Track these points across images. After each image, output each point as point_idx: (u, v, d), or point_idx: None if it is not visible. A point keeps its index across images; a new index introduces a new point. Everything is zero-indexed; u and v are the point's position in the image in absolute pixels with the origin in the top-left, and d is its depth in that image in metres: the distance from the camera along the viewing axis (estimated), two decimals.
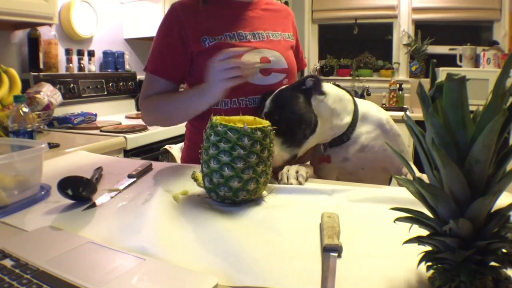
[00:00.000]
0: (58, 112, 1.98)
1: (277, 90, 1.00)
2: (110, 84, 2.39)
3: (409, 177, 0.96)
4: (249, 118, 0.82)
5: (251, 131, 0.71)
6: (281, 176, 0.89)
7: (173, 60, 1.05)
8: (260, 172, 0.73)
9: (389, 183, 1.20)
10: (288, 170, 0.90)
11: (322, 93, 0.96)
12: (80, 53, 2.25)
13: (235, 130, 0.71)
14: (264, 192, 0.80)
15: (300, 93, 0.96)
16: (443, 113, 0.40)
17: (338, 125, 1.00)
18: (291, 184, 0.86)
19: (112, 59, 2.48)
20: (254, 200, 0.77)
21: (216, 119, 0.76)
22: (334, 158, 1.05)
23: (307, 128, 0.95)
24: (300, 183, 0.87)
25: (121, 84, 2.46)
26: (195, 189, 0.82)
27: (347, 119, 1.01)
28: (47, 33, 2.03)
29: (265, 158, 0.74)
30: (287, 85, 1.03)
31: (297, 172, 0.90)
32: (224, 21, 1.06)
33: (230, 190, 0.72)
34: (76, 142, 1.59)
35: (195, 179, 0.81)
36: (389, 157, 1.02)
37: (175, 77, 1.08)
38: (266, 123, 0.77)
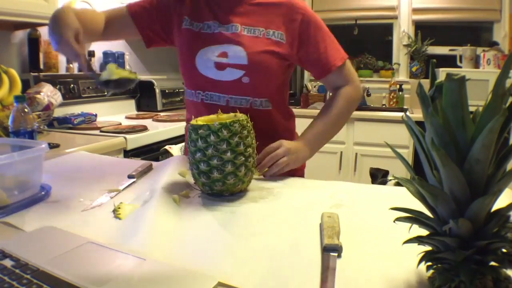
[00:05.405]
0: (58, 112, 1.98)
1: None
2: None
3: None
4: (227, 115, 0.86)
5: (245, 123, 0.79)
6: None
7: (151, 16, 1.18)
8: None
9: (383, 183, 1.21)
10: None
11: None
12: None
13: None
14: (265, 192, 0.80)
15: None
16: (443, 113, 0.40)
17: None
18: None
19: (112, 60, 2.48)
20: (255, 200, 0.77)
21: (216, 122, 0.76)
22: None
23: None
24: None
25: None
26: (195, 190, 0.82)
27: None
28: (47, 33, 2.03)
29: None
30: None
31: None
32: (208, 9, 1.07)
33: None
34: (76, 142, 1.59)
35: (182, 175, 0.92)
36: None
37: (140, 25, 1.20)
38: (241, 116, 0.81)
